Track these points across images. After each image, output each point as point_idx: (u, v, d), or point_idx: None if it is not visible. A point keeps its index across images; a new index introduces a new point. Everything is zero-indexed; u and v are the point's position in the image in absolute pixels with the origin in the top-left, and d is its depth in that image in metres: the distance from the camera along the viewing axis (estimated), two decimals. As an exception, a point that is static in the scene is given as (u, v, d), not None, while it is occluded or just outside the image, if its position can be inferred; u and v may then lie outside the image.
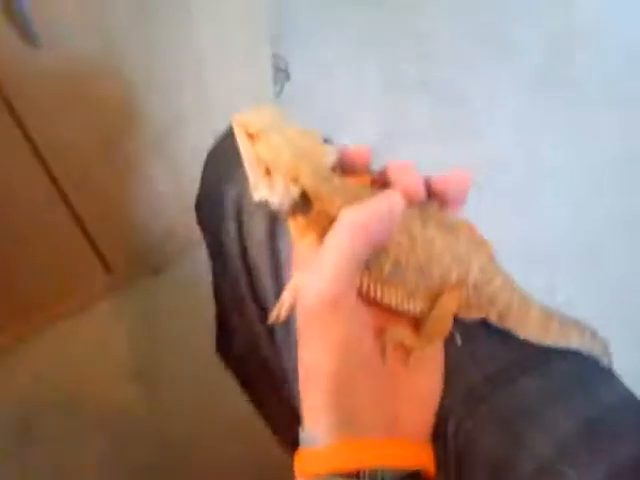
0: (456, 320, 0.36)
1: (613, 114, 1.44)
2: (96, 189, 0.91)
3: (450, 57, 1.54)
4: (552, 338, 0.39)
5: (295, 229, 0.37)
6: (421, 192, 0.35)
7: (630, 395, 0.40)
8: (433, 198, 0.37)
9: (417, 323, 0.37)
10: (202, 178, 0.54)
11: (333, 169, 0.36)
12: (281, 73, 1.35)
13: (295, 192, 0.35)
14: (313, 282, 0.32)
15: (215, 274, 0.57)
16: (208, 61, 0.87)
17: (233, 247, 0.48)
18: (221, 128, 0.98)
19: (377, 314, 0.36)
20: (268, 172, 0.35)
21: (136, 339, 1.11)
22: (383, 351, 0.34)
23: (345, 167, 0.37)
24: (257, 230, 0.46)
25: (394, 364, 0.35)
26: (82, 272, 1.07)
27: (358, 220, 0.32)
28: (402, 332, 0.35)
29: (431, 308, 0.36)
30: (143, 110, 0.85)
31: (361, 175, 0.38)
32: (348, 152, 0.37)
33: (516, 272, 0.39)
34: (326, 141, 0.36)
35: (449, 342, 0.37)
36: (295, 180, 0.34)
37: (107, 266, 1.09)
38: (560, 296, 1.13)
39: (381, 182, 0.37)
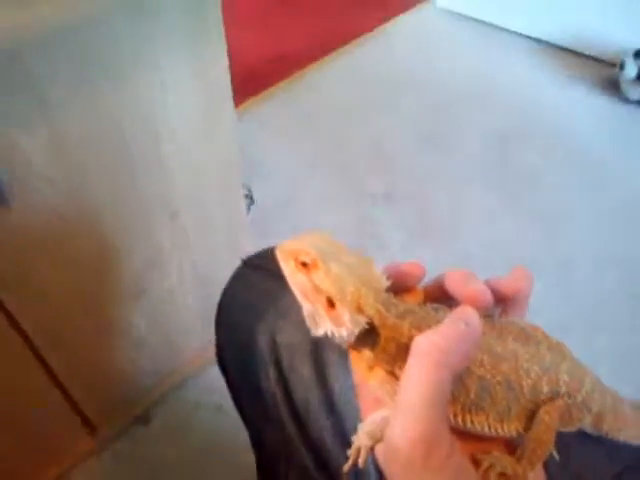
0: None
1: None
2: (73, 345, 0.85)
3: (407, 166, 1.61)
4: None
5: (360, 362, 0.34)
6: (490, 301, 0.33)
7: None
8: (496, 305, 0.35)
9: (510, 445, 0.33)
10: (219, 324, 0.50)
11: (387, 291, 0.34)
12: (246, 199, 1.36)
13: (362, 322, 0.32)
14: (400, 422, 0.28)
15: (250, 422, 0.52)
16: (184, 202, 0.86)
17: (276, 391, 0.44)
18: (199, 261, 0.94)
19: (465, 444, 0.32)
20: (330, 303, 0.33)
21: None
22: None
23: (397, 285, 0.35)
24: (303, 366, 0.42)
25: None
26: (65, 435, 0.98)
27: (436, 345, 0.29)
28: (501, 461, 0.32)
29: (527, 427, 0.32)
30: (118, 260, 0.81)
31: (413, 291, 0.36)
32: (402, 270, 0.35)
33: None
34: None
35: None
36: (360, 310, 0.32)
37: (91, 425, 1.00)
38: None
39: (437, 295, 0.35)
